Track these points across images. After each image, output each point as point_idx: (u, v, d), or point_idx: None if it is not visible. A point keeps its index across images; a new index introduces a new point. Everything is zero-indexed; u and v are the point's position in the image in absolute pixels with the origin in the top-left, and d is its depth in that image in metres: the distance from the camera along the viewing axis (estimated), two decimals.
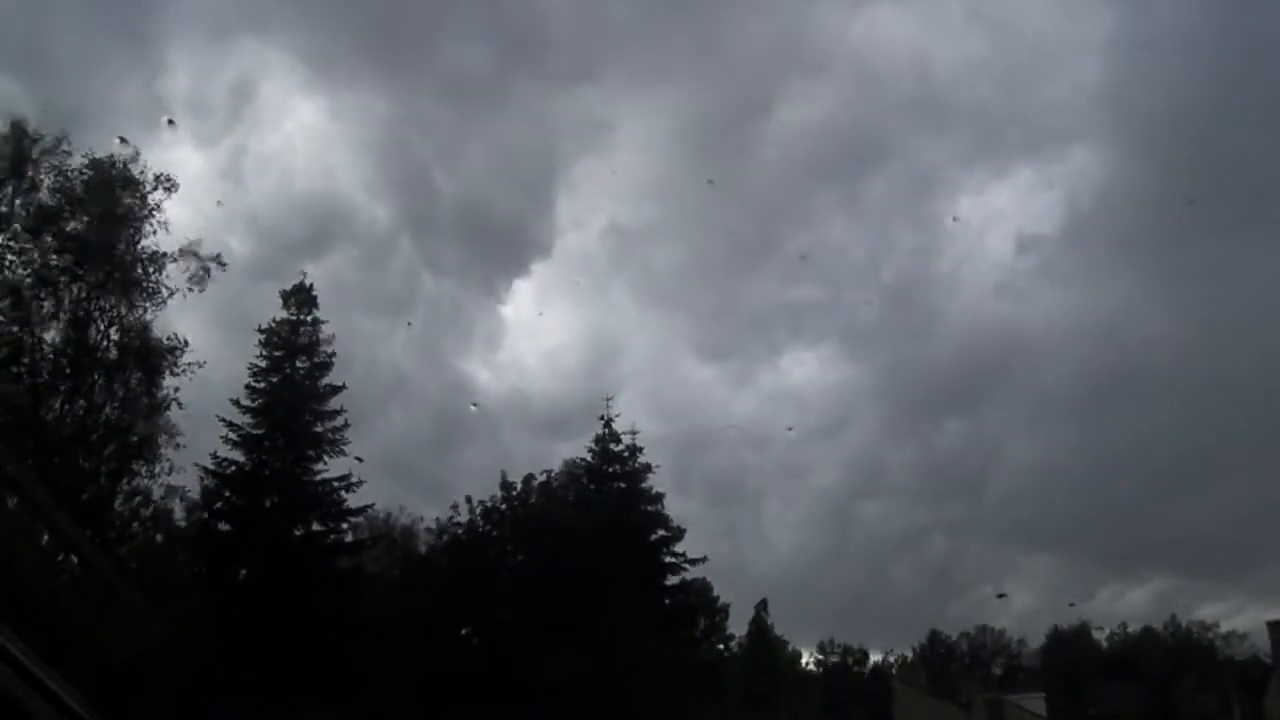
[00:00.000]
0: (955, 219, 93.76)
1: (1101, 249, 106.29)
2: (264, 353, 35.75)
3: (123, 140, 31.35)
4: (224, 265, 31.98)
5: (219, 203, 62.03)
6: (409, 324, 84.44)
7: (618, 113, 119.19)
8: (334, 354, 36.09)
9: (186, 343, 30.89)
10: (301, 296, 36.47)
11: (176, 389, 30.61)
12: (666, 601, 42.57)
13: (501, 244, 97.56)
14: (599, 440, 43.89)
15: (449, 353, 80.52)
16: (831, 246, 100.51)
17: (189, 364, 30.88)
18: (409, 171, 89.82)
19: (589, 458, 43.94)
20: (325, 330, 36.24)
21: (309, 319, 36.21)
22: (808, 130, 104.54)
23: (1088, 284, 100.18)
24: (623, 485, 43.45)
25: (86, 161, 29.55)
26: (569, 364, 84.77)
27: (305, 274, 37.47)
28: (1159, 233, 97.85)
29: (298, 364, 35.88)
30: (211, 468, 34.26)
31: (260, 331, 35.89)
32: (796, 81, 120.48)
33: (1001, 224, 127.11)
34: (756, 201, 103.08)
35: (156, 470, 30.53)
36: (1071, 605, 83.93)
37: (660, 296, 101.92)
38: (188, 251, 31.05)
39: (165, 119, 45.12)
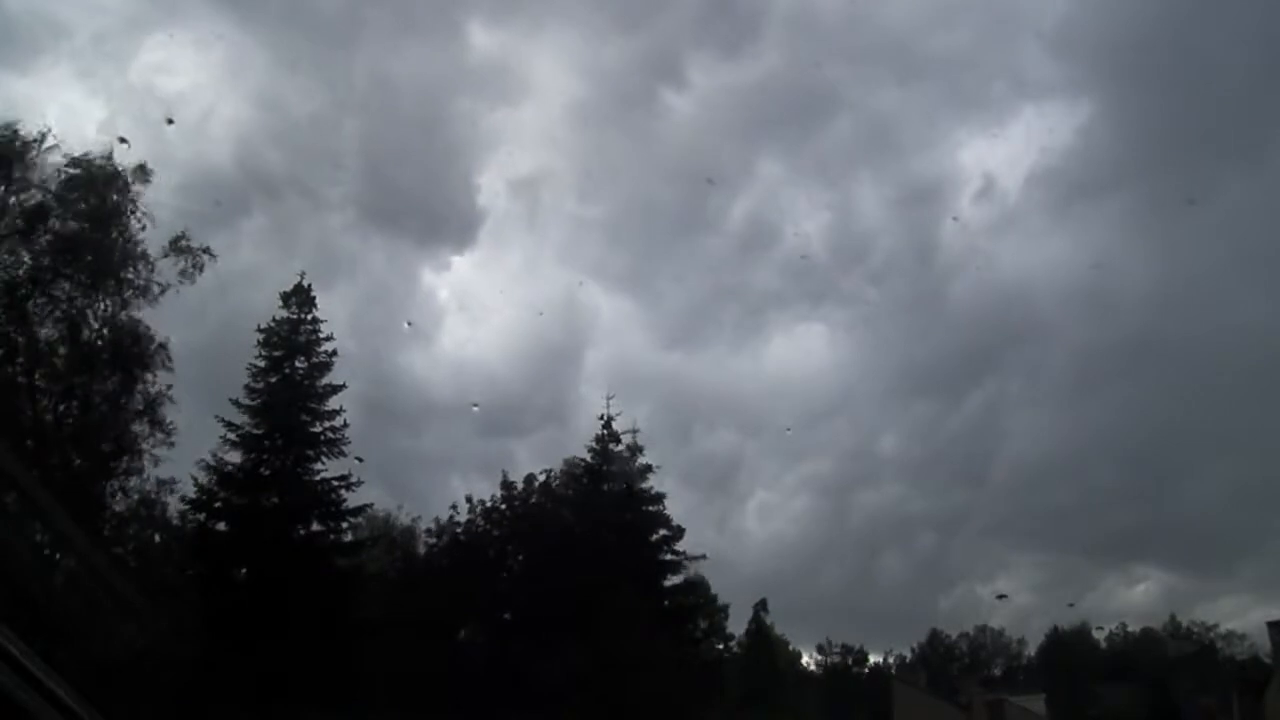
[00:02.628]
0: (955, 218, 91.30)
1: (1088, 208, 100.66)
2: (263, 352, 35.81)
3: (122, 140, 31.19)
4: (214, 256, 31.56)
5: (218, 202, 60.34)
6: (408, 324, 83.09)
7: (541, 69, 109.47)
8: (334, 353, 36.18)
9: (163, 340, 30.46)
10: (300, 296, 36.52)
11: (170, 385, 30.45)
12: (666, 601, 42.58)
13: (422, 215, 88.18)
14: (599, 440, 43.93)
15: (373, 334, 73.89)
16: (795, 216, 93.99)
17: (160, 352, 30.46)
18: (306, 129, 77.76)
19: (589, 457, 43.98)
20: (324, 329, 36.34)
21: (308, 319, 36.28)
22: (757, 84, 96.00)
23: (1076, 248, 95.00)
24: (623, 485, 43.47)
25: (67, 160, 28.99)
26: (518, 348, 79.24)
27: (303, 274, 37.54)
28: (1147, 194, 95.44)
29: (296, 364, 35.95)
30: (211, 466, 34.32)
31: (259, 331, 35.98)
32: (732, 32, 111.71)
33: (976, 185, 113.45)
34: (700, 163, 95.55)
35: (150, 468, 30.39)
36: (1071, 605, 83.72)
37: (612, 274, 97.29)
38: (177, 245, 30.72)
39: (166, 119, 44.45)
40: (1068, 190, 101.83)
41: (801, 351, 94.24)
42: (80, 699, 2.55)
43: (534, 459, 49.13)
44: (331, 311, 38.30)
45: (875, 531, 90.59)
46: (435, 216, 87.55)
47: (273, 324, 36.06)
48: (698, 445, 77.77)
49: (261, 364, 35.69)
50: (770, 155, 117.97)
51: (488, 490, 43.33)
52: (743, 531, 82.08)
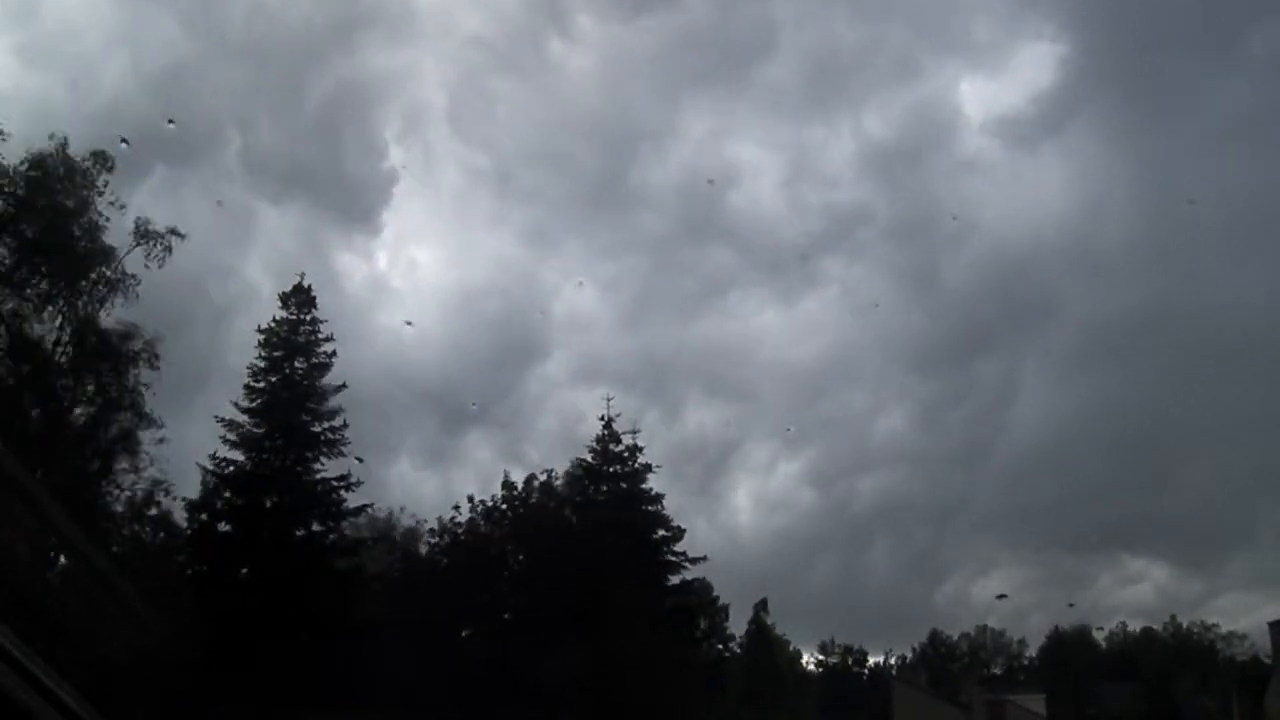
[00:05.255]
0: (955, 218, 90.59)
1: (1067, 141, 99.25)
2: (263, 353, 35.78)
3: (123, 141, 31.00)
4: (183, 236, 31.16)
5: (219, 203, 60.15)
6: (408, 323, 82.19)
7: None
8: (334, 354, 36.16)
9: (143, 334, 30.14)
10: (301, 297, 36.50)
11: (148, 385, 30.27)
12: (667, 601, 42.57)
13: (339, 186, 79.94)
14: (599, 440, 43.96)
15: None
16: (782, 205, 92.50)
17: (144, 349, 30.20)
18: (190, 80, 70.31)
19: (590, 458, 44.00)
20: (324, 329, 36.33)
21: (308, 319, 36.26)
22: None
23: (1063, 192, 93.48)
24: (623, 485, 43.47)
25: (23, 161, 28.45)
26: (459, 326, 77.22)
27: (303, 274, 37.52)
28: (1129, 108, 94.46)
29: (296, 364, 35.93)
30: (211, 468, 34.32)
31: (259, 332, 35.98)
32: None
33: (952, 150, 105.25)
34: (660, 127, 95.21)
35: (140, 465, 30.27)
36: (1071, 605, 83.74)
37: (552, 242, 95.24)
38: (143, 230, 30.23)
39: (167, 120, 44.20)
40: (1045, 125, 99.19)
41: (793, 338, 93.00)
42: (81, 700, 2.54)
43: (490, 447, 46.58)
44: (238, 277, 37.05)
45: (875, 530, 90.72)
46: (347, 186, 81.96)
47: (273, 324, 36.06)
48: (685, 435, 76.22)
49: (261, 364, 35.71)
50: (712, 114, 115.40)
51: (442, 478, 42.79)
52: (739, 530, 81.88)
